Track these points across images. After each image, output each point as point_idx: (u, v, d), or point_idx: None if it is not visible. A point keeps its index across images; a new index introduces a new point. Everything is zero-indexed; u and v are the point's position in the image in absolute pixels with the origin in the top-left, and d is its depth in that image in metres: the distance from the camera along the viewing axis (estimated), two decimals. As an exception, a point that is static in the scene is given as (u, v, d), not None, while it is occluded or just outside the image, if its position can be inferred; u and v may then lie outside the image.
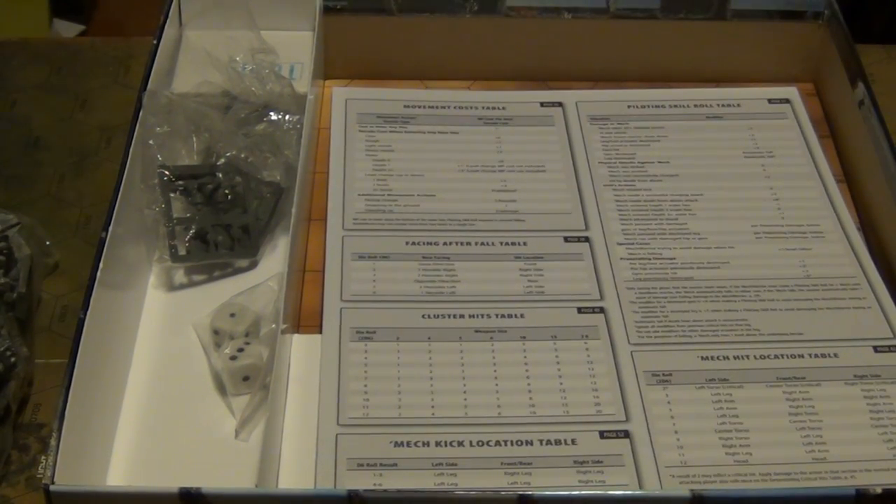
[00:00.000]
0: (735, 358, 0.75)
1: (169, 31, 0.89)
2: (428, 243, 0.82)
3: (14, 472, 0.71)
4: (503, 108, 0.93)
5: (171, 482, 0.60)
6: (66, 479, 0.60)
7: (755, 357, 0.75)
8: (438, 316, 0.77)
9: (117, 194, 0.74)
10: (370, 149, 0.89)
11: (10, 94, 0.96)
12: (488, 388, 0.73)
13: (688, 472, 0.69)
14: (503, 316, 0.77)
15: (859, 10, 1.53)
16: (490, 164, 0.88)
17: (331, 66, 0.95)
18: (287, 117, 0.85)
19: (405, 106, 0.93)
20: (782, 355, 0.75)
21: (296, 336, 0.76)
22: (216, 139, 0.84)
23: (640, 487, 0.68)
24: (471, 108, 0.93)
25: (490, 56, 0.95)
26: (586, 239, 0.83)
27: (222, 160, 0.82)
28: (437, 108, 0.93)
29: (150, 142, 0.81)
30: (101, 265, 0.69)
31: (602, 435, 0.71)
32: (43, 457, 0.63)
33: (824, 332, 0.77)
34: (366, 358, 0.75)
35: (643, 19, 0.94)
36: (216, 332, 0.74)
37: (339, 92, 0.94)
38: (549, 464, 0.69)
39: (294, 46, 0.94)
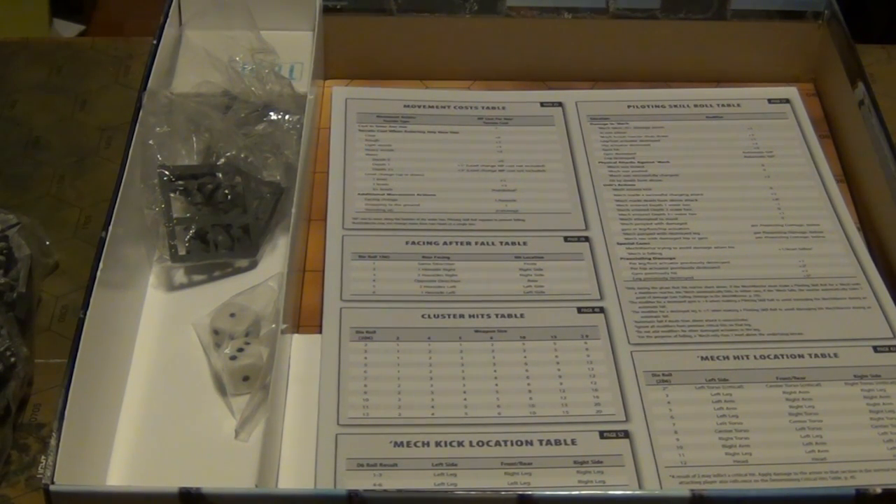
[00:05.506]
0: (735, 358, 0.75)
1: (169, 31, 0.89)
2: (428, 243, 0.82)
3: (14, 472, 0.70)
4: (503, 108, 0.93)
5: (171, 482, 0.60)
6: (65, 479, 0.60)
7: (755, 357, 0.75)
8: (438, 316, 0.77)
9: (117, 194, 0.74)
10: (370, 148, 0.89)
11: (10, 94, 0.96)
12: (488, 388, 0.73)
13: (688, 472, 0.69)
14: (503, 316, 0.77)
15: (859, 10, 1.53)
16: (490, 163, 0.88)
17: (331, 66, 0.95)
18: (287, 117, 0.85)
19: (405, 106, 0.93)
20: (782, 355, 0.75)
21: (296, 336, 0.76)
22: (216, 139, 0.84)
23: (640, 487, 0.68)
24: (471, 107, 0.93)
25: (490, 56, 0.95)
26: (586, 239, 0.83)
27: (222, 160, 0.82)
28: (437, 107, 0.93)
29: (150, 142, 0.81)
30: (101, 265, 0.69)
31: (602, 435, 0.71)
32: (43, 457, 0.63)
33: (824, 332, 0.77)
34: (366, 358, 0.74)
35: (643, 19, 0.94)
36: (216, 332, 0.74)
37: (339, 92, 0.94)
38: (548, 464, 0.69)
39: (294, 46, 0.94)
